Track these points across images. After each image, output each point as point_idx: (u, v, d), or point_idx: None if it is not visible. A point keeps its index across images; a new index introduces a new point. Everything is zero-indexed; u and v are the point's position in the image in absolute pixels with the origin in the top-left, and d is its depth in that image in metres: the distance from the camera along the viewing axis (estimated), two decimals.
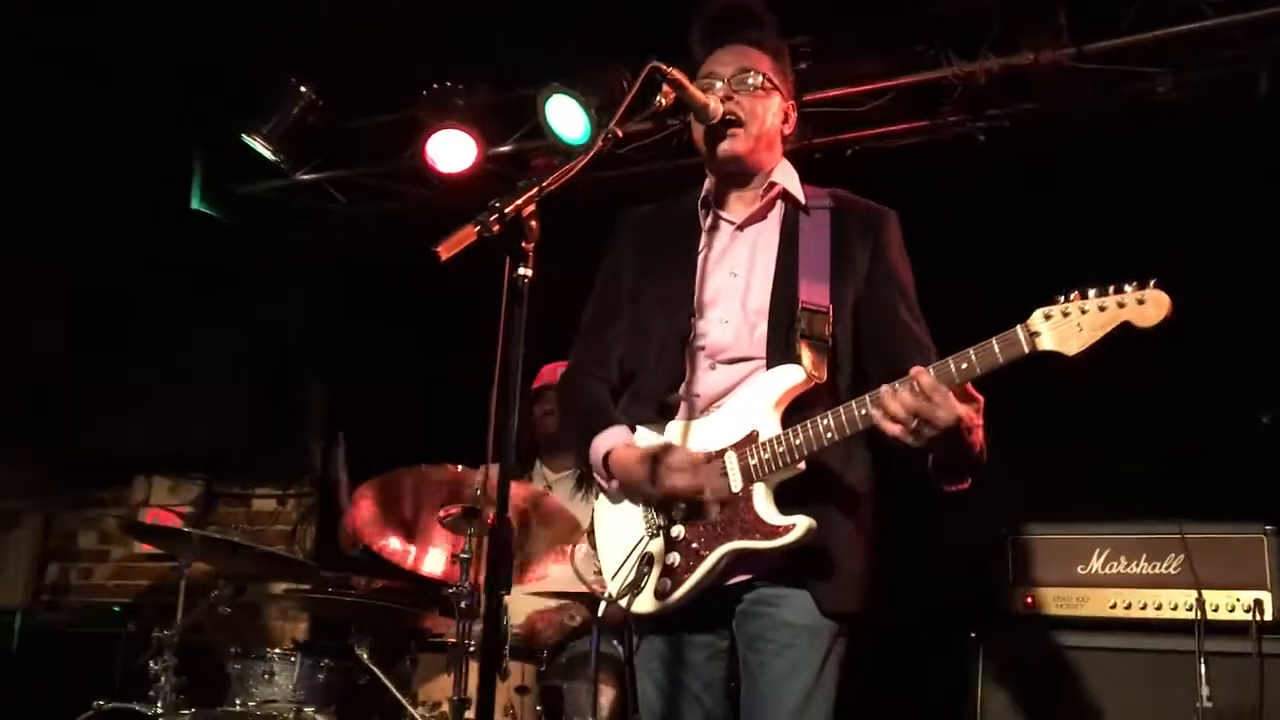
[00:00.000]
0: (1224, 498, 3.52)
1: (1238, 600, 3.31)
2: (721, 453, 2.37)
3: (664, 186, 4.65)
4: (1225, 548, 3.37)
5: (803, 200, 2.56)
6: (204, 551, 3.83)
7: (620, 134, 2.15)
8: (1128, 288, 2.09)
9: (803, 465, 2.33)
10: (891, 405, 2.18)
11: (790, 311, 2.40)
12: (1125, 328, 2.08)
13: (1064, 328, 2.10)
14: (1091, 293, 2.11)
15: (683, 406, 2.46)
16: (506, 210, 1.86)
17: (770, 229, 2.54)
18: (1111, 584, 3.50)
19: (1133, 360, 3.67)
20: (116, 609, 5.21)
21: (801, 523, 2.30)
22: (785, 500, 2.34)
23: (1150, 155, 4.12)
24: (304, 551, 5.38)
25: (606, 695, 3.97)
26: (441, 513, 3.43)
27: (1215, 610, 3.32)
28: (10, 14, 4.46)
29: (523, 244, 1.88)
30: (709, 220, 2.57)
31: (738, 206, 2.57)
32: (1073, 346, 2.10)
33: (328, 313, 5.69)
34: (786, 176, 2.59)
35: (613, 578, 2.47)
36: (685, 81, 2.37)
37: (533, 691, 3.73)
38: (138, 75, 4.81)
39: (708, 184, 2.60)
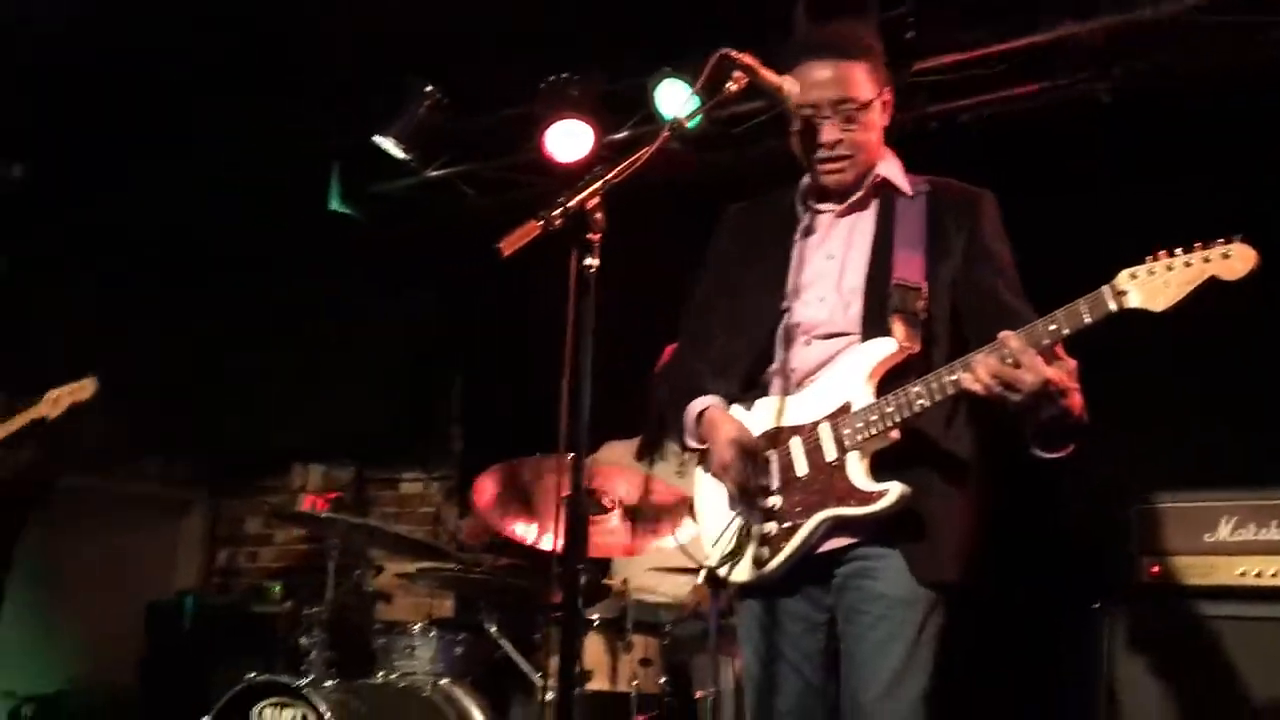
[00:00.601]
0: None
1: None
2: (815, 424, 2.43)
3: (783, 166, 4.81)
4: None
5: (904, 188, 2.59)
6: (347, 535, 4.06)
7: (686, 124, 2.21)
8: (1215, 244, 2.09)
9: (896, 434, 2.36)
10: (979, 369, 2.21)
11: (884, 288, 2.45)
12: (1213, 283, 2.09)
13: (1150, 285, 2.12)
14: (1178, 250, 2.12)
15: (776, 383, 2.51)
16: (569, 205, 1.95)
17: (868, 215, 2.57)
18: (1240, 551, 3.38)
19: (1260, 324, 3.57)
20: (278, 588, 5.55)
21: (895, 489, 2.33)
22: (882, 469, 2.37)
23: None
24: (446, 532, 5.63)
25: (733, 667, 4.06)
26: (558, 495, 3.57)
27: None
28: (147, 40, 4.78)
29: (588, 236, 1.97)
30: (807, 214, 2.62)
31: (838, 197, 2.60)
32: (1160, 303, 2.12)
33: (462, 303, 5.91)
34: (889, 168, 2.61)
35: (713, 546, 2.54)
36: (757, 65, 2.40)
37: (656, 664, 3.84)
38: (277, 86, 5.11)
39: (807, 180, 2.63)
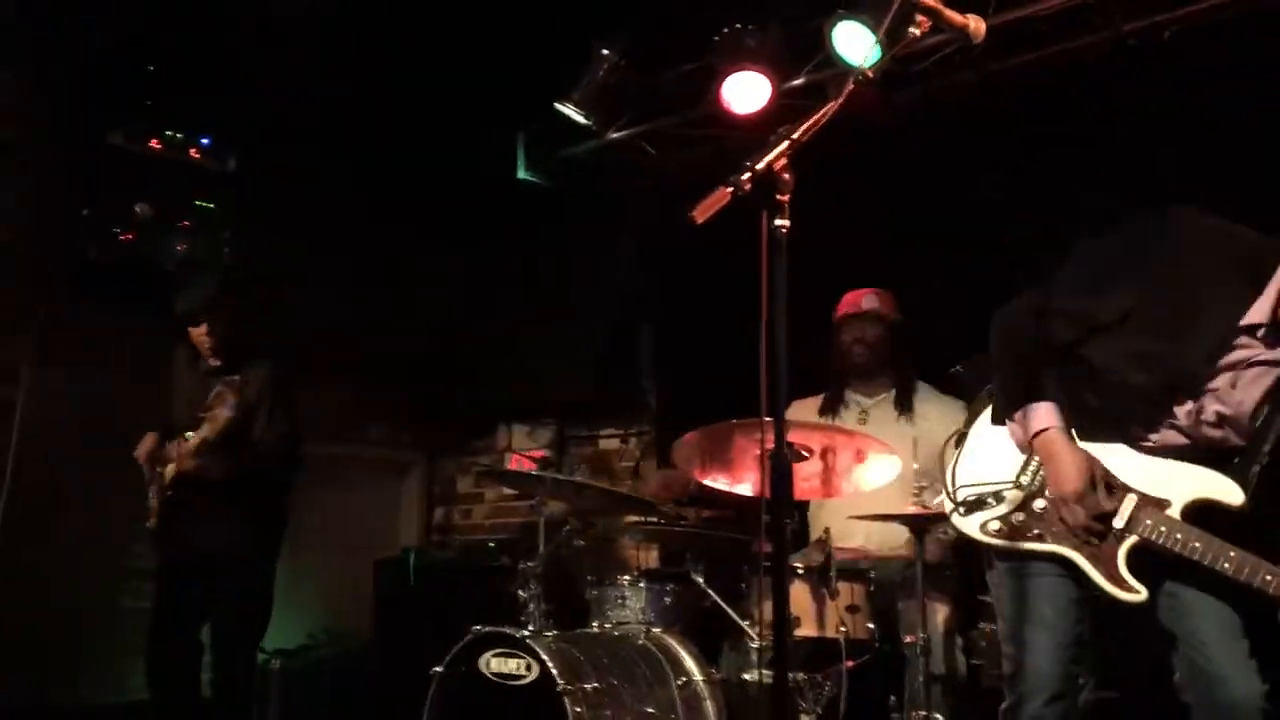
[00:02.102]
0: None
1: None
2: (1128, 489, 2.61)
3: (972, 99, 4.68)
4: None
5: None
6: (555, 491, 4.22)
7: (871, 75, 2.19)
8: None
9: (1169, 555, 2.55)
10: None
11: (1260, 447, 2.57)
12: None
13: None
14: None
15: (1134, 436, 2.65)
16: (757, 168, 1.98)
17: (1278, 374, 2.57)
18: None
19: None
20: (492, 544, 5.82)
21: (1143, 594, 2.57)
22: (1132, 565, 2.58)
23: None
24: (647, 486, 5.77)
25: (941, 612, 4.06)
26: (757, 450, 3.63)
27: None
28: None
29: (777, 197, 1.99)
30: (1247, 335, 2.56)
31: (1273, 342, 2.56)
32: None
33: (653, 262, 6.00)
34: None
35: (959, 487, 2.78)
36: (940, 7, 2.36)
37: (863, 610, 3.86)
38: (462, 57, 5.30)
39: (1271, 311, 2.53)
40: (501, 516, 6.46)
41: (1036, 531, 2.67)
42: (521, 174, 5.78)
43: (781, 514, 2.04)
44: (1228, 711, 2.52)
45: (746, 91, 4.94)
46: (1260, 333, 2.54)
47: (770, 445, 2.05)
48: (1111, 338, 2.61)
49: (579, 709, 3.50)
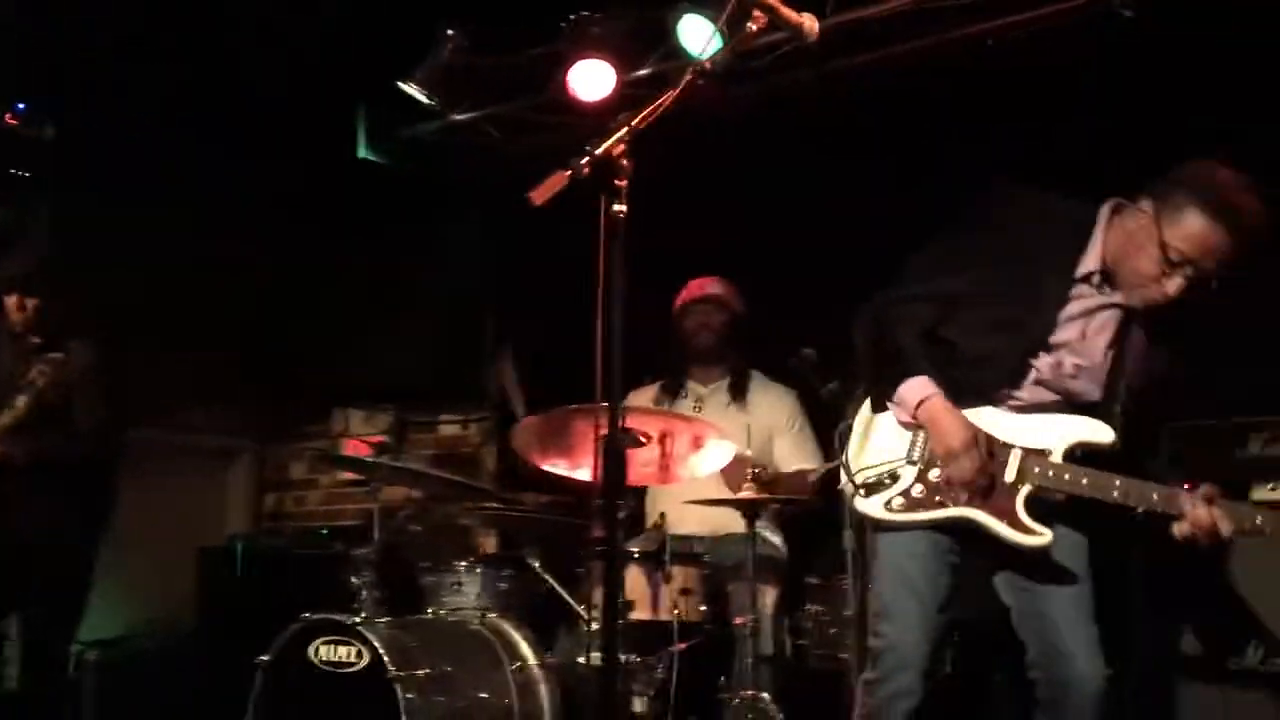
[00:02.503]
0: None
1: None
2: (1010, 445, 2.74)
3: (810, 95, 4.80)
4: None
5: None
6: (391, 478, 4.17)
7: (709, 66, 2.23)
8: None
9: (1063, 497, 2.71)
10: (1197, 512, 2.60)
11: (1117, 384, 2.80)
12: None
13: None
14: None
15: (1003, 400, 2.80)
16: (596, 153, 1.99)
17: (1116, 316, 2.82)
18: (1273, 467, 3.44)
19: None
20: (325, 532, 5.69)
21: (1046, 537, 2.69)
22: (1031, 512, 2.71)
23: None
24: (486, 472, 5.74)
25: (769, 594, 4.17)
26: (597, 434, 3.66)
27: None
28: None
29: (616, 182, 2.01)
30: (1085, 285, 2.81)
31: (1110, 288, 2.80)
32: None
33: (497, 246, 5.96)
34: None
35: (857, 472, 2.87)
36: (776, 4, 2.41)
37: (696, 593, 3.94)
38: (300, 32, 5.15)
39: (1100, 260, 2.78)
40: (336, 504, 6.32)
41: (937, 499, 2.77)
42: (361, 152, 5.66)
43: (615, 497, 2.05)
44: (1074, 686, 2.69)
45: (592, 79, 4.95)
46: (1095, 279, 2.78)
47: (605, 430, 2.06)
48: (967, 311, 2.81)
49: (410, 695, 3.47)
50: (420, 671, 3.50)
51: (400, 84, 5.31)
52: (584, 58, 4.92)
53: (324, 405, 6.45)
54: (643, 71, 5.00)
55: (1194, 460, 3.54)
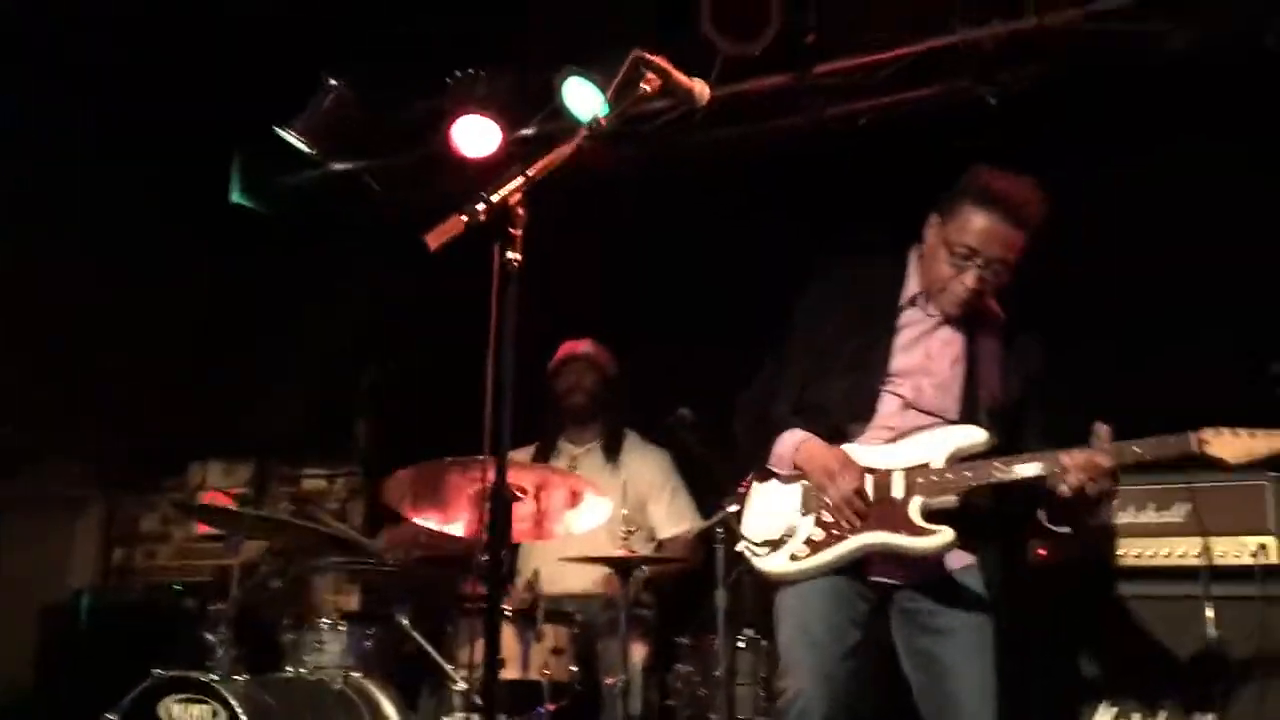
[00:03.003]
0: None
1: (1243, 545, 3.40)
2: (891, 469, 2.82)
3: (691, 161, 4.90)
4: (1229, 496, 3.45)
5: (995, 313, 2.99)
6: (255, 529, 4.03)
7: (604, 124, 2.27)
8: None
9: (954, 499, 2.76)
10: (1074, 461, 2.65)
11: (975, 390, 2.90)
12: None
13: (1232, 444, 2.59)
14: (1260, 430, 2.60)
15: (867, 434, 2.88)
16: (493, 200, 2.00)
17: (959, 327, 2.95)
18: (1121, 533, 3.60)
19: (1136, 328, 3.78)
20: (178, 587, 5.45)
21: (948, 533, 2.73)
22: (927, 518, 2.76)
23: (1161, 114, 4.16)
24: (354, 529, 5.59)
25: (639, 653, 4.16)
26: (472, 489, 3.63)
27: (1221, 556, 3.42)
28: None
29: (510, 230, 2.02)
30: (911, 309, 2.97)
31: (937, 307, 2.94)
32: (1234, 458, 2.59)
33: (375, 300, 5.88)
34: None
35: (755, 541, 2.93)
36: (669, 68, 2.49)
37: (566, 652, 3.90)
38: (176, 75, 5.04)
39: (919, 285, 2.97)
40: (190, 559, 6.07)
41: (835, 534, 2.81)
42: (235, 197, 5.54)
43: (500, 546, 2.04)
44: None
45: (476, 136, 4.97)
46: (918, 300, 2.96)
47: (489, 480, 2.05)
48: (821, 371, 2.95)
49: None
50: None
51: (279, 130, 5.24)
52: (469, 113, 4.95)
53: (180, 456, 6.22)
54: (528, 131, 5.05)
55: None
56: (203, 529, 5.72)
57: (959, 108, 4.52)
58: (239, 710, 3.35)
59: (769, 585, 2.97)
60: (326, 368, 5.82)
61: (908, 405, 2.89)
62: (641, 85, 2.43)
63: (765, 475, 3.00)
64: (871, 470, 2.83)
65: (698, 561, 4.09)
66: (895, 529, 2.76)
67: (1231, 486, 3.45)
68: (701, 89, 2.57)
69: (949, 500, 2.77)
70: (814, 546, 2.83)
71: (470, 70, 4.99)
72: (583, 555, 3.89)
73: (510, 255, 2.03)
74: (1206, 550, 3.43)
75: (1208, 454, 2.60)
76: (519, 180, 2.06)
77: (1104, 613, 3.57)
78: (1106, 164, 4.22)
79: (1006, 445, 2.82)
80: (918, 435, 2.85)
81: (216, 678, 3.49)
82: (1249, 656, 3.28)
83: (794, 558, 2.85)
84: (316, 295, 5.87)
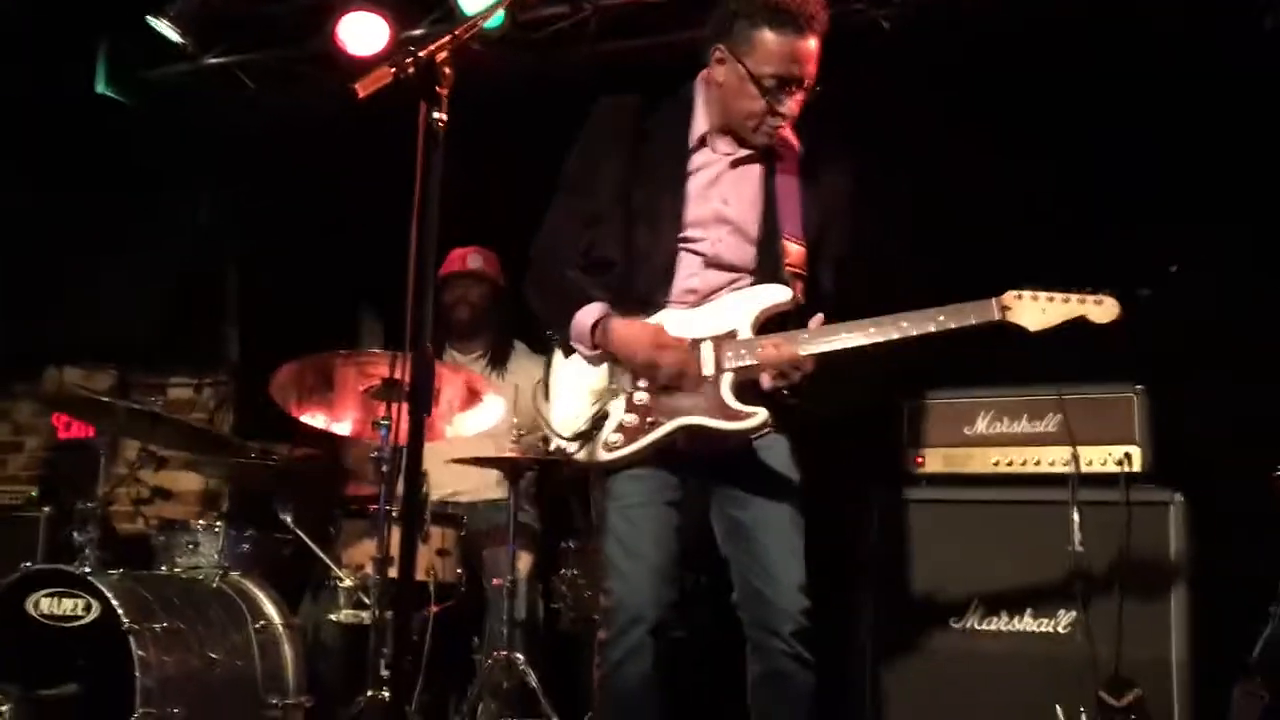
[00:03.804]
0: (1099, 361, 3.76)
1: (1109, 454, 3.57)
2: (699, 341, 2.65)
3: (583, 73, 4.84)
4: (1099, 407, 3.63)
5: (794, 144, 2.79)
6: (126, 424, 3.87)
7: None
8: (1092, 291, 2.57)
9: (766, 377, 2.60)
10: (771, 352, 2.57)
11: (776, 239, 2.72)
12: (1081, 320, 2.58)
13: (1032, 309, 2.57)
14: (1056, 290, 2.58)
15: (670, 299, 2.70)
16: (421, 53, 1.94)
17: (756, 165, 2.77)
18: (995, 443, 3.75)
19: (1019, 248, 3.89)
20: (34, 493, 5.21)
21: (762, 414, 2.59)
22: (740, 397, 2.62)
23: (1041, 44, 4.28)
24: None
25: (524, 560, 4.17)
26: (364, 386, 3.56)
27: (1089, 464, 3.59)
28: None
29: (437, 89, 1.97)
30: (700, 151, 2.77)
31: (732, 144, 2.76)
32: (1034, 325, 2.57)
33: (239, 199, 5.67)
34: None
35: (565, 428, 2.71)
36: None
37: (453, 555, 3.89)
38: None
39: (708, 122, 2.76)
40: (45, 468, 5.79)
41: (650, 420, 2.64)
42: (101, 88, 5.24)
43: (421, 405, 1.99)
44: (776, 614, 2.65)
45: (364, 33, 4.79)
46: (708, 139, 2.77)
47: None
48: (609, 224, 2.74)
49: (143, 652, 3.24)
50: (158, 625, 3.28)
51: (150, 19, 4.97)
52: (357, 9, 4.77)
53: (35, 362, 5.90)
54: (418, 31, 4.90)
55: (926, 435, 3.85)
56: (63, 435, 5.48)
57: (853, 32, 4.55)
58: (114, 602, 3.23)
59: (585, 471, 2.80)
60: (193, 270, 5.59)
61: (708, 264, 2.71)
62: None
63: (569, 351, 2.75)
64: (676, 341, 2.65)
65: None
66: (709, 411, 2.61)
67: (1101, 399, 3.63)
68: None
69: (758, 377, 2.62)
70: (629, 434, 2.64)
71: None
72: (473, 457, 3.86)
73: (436, 115, 1.97)
74: (1075, 459, 3.58)
75: (1009, 321, 2.56)
76: (446, 38, 2.00)
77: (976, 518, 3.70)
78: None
79: (812, 292, 2.74)
80: (725, 298, 2.71)
81: (88, 569, 3.35)
82: (1112, 560, 3.45)
83: (608, 446, 2.66)
84: (177, 195, 5.62)
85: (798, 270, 2.72)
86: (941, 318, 2.56)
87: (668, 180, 2.73)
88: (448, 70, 1.99)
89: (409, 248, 1.98)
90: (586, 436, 2.68)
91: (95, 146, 5.39)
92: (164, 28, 4.99)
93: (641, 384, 2.66)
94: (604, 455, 2.66)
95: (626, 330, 2.64)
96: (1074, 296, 2.57)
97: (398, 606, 2.04)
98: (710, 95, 2.77)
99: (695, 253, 2.71)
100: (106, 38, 5.24)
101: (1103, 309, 2.57)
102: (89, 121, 5.37)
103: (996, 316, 2.56)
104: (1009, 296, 2.57)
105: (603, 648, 2.70)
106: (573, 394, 2.74)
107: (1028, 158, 4.31)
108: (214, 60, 5.25)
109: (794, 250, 2.72)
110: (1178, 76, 4.11)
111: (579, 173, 2.82)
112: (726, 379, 2.62)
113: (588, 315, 2.66)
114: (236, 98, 5.42)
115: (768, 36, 2.60)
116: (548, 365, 2.84)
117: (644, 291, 2.70)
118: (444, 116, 1.99)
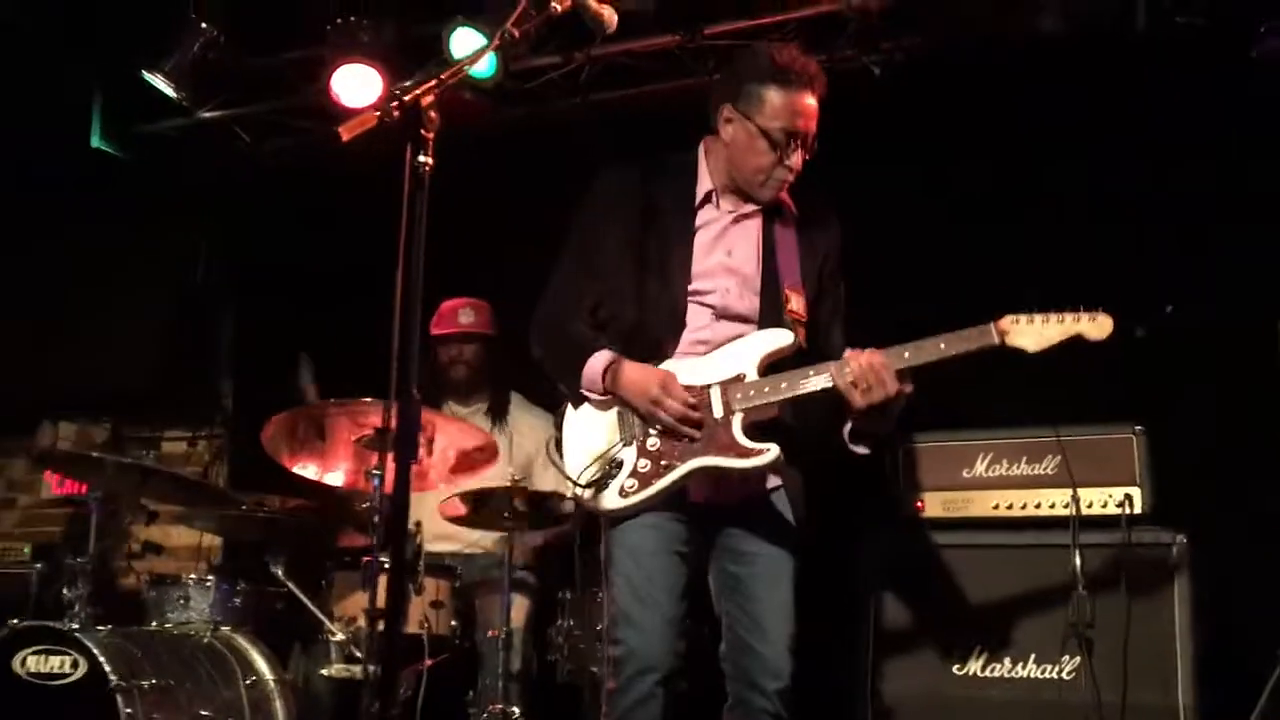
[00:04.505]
0: (1097, 402, 3.74)
1: (1110, 496, 3.54)
2: (706, 386, 2.71)
3: (575, 123, 4.87)
4: (1098, 448, 3.60)
5: (790, 206, 2.90)
6: (117, 479, 3.83)
7: (517, 34, 2.23)
8: (1086, 310, 2.61)
9: (774, 412, 2.70)
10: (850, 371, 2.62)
11: (777, 288, 2.81)
12: (1077, 339, 2.60)
13: (1029, 330, 2.61)
14: (1052, 310, 2.62)
15: (681, 349, 2.77)
16: (406, 98, 1.94)
17: (755, 222, 2.87)
18: (994, 486, 3.71)
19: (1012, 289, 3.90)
20: (26, 549, 5.15)
21: (774, 450, 2.64)
22: (750, 435, 2.67)
23: (1035, 86, 4.31)
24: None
25: (521, 609, 4.11)
26: (356, 435, 3.53)
27: (1089, 506, 3.55)
28: None
29: (423, 132, 1.96)
30: (706, 208, 2.87)
31: (735, 201, 2.87)
32: (1033, 346, 2.60)
33: (235, 250, 5.68)
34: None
35: (582, 483, 2.74)
36: None
37: (447, 606, 3.83)
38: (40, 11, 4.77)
39: (713, 181, 2.88)
40: (37, 524, 5.75)
41: (664, 464, 2.67)
42: (95, 142, 5.26)
43: (404, 499, 1.96)
44: (763, 668, 2.68)
45: (357, 85, 4.82)
46: (713, 196, 2.87)
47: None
48: (616, 280, 2.81)
49: (131, 710, 3.19)
50: (145, 683, 3.22)
51: (145, 74, 5.00)
52: (351, 62, 4.80)
53: (29, 416, 5.87)
54: (411, 82, 4.92)
55: (923, 478, 3.81)
56: (56, 491, 5.44)
57: (846, 76, 4.58)
58: (101, 659, 3.17)
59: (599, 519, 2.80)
60: (188, 320, 5.58)
61: (718, 315, 2.80)
62: (552, 3, 2.39)
63: (579, 401, 2.80)
64: (688, 388, 2.71)
65: (582, 523, 4.04)
66: (722, 451, 2.66)
67: (1101, 440, 3.60)
68: (611, 15, 2.55)
69: (768, 414, 2.70)
70: (642, 480, 2.68)
71: (352, 17, 4.84)
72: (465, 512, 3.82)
73: (422, 159, 1.96)
74: (1075, 501, 3.54)
75: (1009, 345, 2.59)
76: (432, 82, 2.00)
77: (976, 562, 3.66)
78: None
79: (814, 337, 2.81)
80: (730, 346, 2.76)
81: (76, 626, 3.30)
82: (1115, 603, 3.40)
83: (623, 493, 2.69)
84: (173, 246, 5.63)
85: (799, 317, 2.80)
86: (943, 345, 2.61)
87: (676, 235, 2.83)
88: (433, 115, 1.99)
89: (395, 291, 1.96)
90: (601, 485, 2.72)
91: (90, 197, 5.41)
92: (159, 82, 5.02)
93: (654, 430, 2.70)
94: (620, 502, 2.69)
95: (637, 373, 2.71)
96: (1069, 315, 2.60)
97: (384, 658, 1.96)
98: (717, 155, 2.88)
99: (705, 305, 2.80)
100: (101, 92, 5.27)
101: (1097, 325, 2.60)
102: (84, 176, 5.40)
103: (996, 341, 2.60)
104: (1006, 321, 2.61)
105: (611, 696, 2.69)
106: (586, 444, 2.79)
107: (1018, 201, 4.35)
108: (209, 114, 5.29)
109: (794, 298, 2.81)
110: (1170, 125, 4.14)
111: (584, 236, 2.89)
112: (737, 419, 2.68)
113: (599, 360, 2.74)
114: (232, 150, 5.46)
115: (774, 93, 2.74)
116: (559, 421, 2.88)
117: (654, 342, 2.77)
118: (430, 160, 1.98)
